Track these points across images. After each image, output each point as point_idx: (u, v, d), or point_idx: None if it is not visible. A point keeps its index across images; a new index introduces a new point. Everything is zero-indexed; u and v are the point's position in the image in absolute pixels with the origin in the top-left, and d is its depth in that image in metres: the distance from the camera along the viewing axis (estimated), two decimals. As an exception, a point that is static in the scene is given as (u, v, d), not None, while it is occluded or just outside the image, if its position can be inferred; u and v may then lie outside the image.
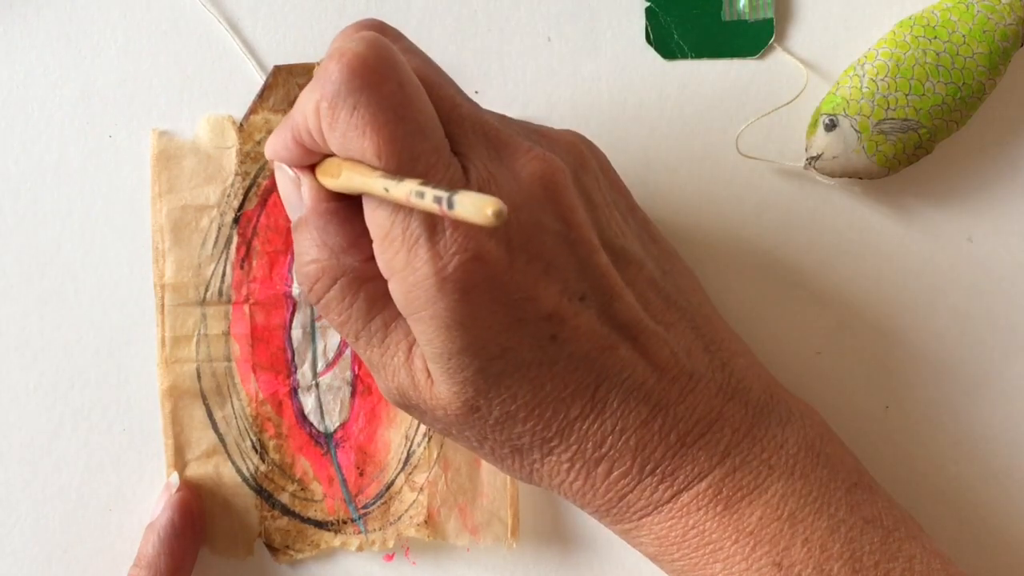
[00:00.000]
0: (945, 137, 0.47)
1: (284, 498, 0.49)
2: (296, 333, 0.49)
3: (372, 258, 0.40)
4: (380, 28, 0.41)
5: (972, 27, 0.47)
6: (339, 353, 0.49)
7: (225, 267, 0.49)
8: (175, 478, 0.49)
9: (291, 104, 0.48)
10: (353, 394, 0.49)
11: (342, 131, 0.37)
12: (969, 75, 0.47)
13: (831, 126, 0.47)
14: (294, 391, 0.49)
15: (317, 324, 0.49)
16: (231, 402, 0.49)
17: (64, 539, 0.50)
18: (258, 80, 0.49)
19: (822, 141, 0.47)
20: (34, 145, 0.49)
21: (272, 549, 0.49)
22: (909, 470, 0.49)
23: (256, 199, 0.49)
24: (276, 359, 0.49)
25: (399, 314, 0.41)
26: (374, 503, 0.49)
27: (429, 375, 0.41)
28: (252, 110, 0.48)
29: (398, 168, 0.37)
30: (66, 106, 0.49)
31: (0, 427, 0.49)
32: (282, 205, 0.48)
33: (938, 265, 0.49)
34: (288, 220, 0.48)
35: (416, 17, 0.49)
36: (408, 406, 0.42)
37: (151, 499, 0.49)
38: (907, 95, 0.47)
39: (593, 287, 0.40)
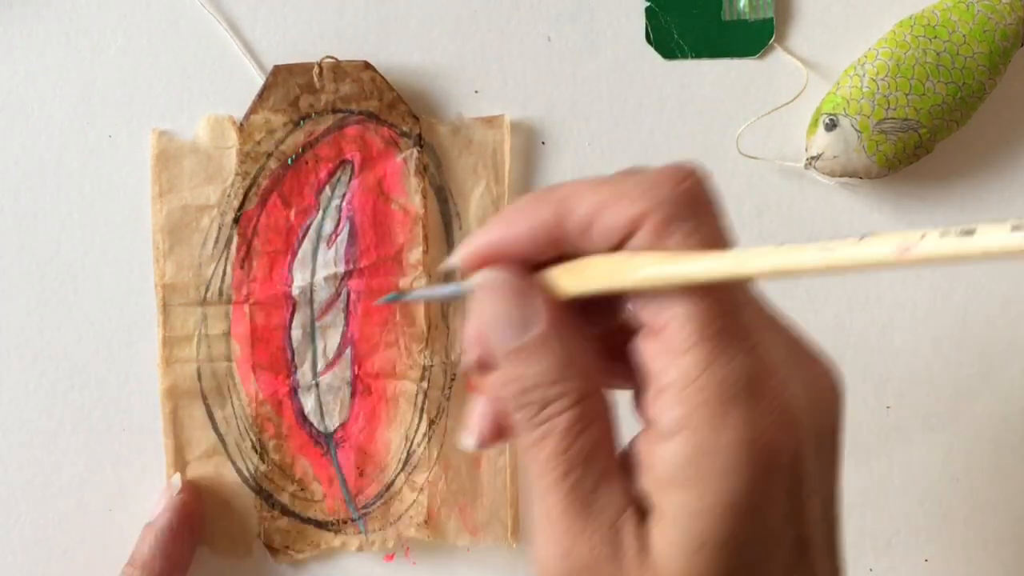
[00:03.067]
0: (945, 137, 0.47)
1: (284, 498, 0.49)
2: (296, 333, 0.49)
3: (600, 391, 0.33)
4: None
5: (972, 27, 0.47)
6: (339, 353, 0.49)
7: (225, 267, 0.49)
8: (177, 479, 0.49)
9: (291, 104, 0.48)
10: (353, 394, 0.49)
11: (680, 239, 0.32)
12: (969, 75, 0.47)
13: (831, 126, 0.47)
14: (294, 391, 0.49)
15: (317, 324, 0.49)
16: (231, 402, 0.49)
17: (64, 539, 0.50)
18: (258, 80, 0.49)
19: (822, 141, 0.47)
20: (34, 145, 0.49)
21: (272, 549, 0.49)
22: (909, 470, 0.49)
23: (256, 199, 0.48)
24: (276, 359, 0.49)
25: (617, 468, 0.32)
26: (374, 503, 0.49)
27: (643, 548, 0.31)
28: (252, 110, 0.48)
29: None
30: (66, 106, 0.49)
31: (0, 427, 0.49)
32: (282, 205, 0.48)
33: (938, 265, 0.49)
34: (288, 220, 0.48)
35: (416, 17, 0.49)
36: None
37: (151, 499, 0.49)
38: (907, 95, 0.47)
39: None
